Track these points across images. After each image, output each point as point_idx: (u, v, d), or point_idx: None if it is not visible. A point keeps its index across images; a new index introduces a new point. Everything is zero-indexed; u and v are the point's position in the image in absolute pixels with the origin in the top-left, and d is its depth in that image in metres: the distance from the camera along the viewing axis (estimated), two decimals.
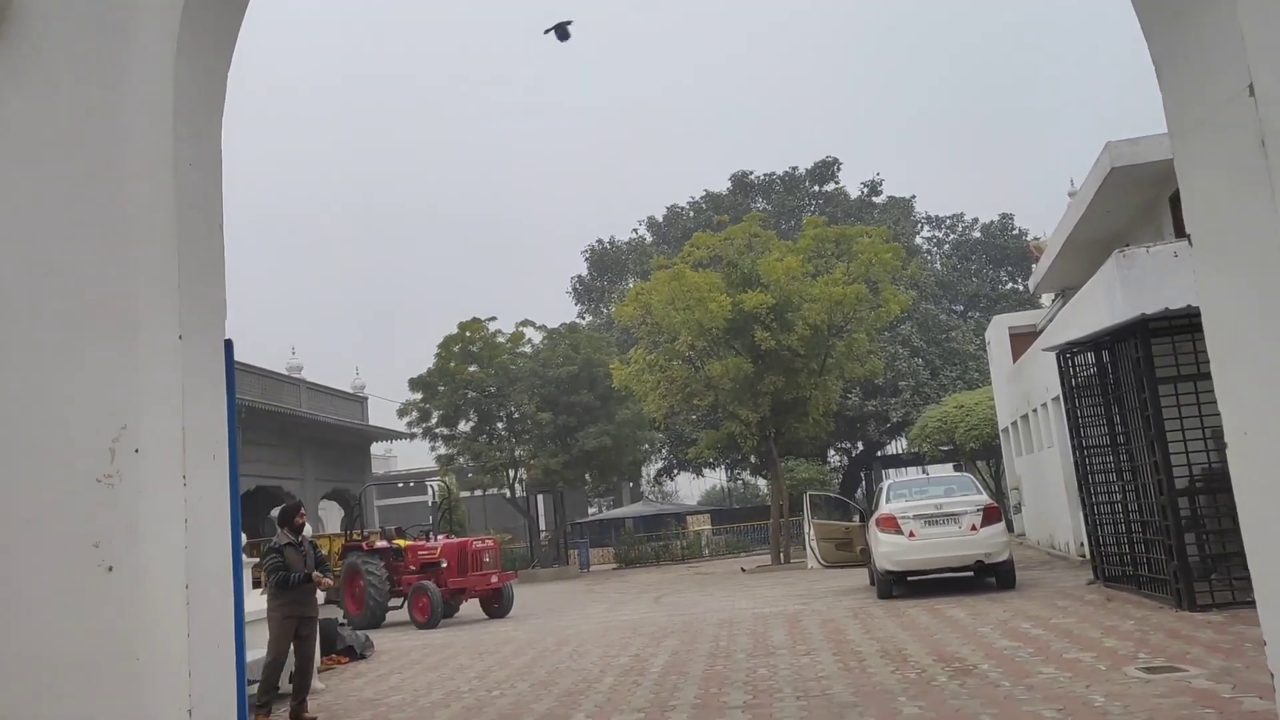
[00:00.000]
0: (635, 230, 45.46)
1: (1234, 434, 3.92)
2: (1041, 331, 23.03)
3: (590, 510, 47.81)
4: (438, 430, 30.06)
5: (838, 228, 22.68)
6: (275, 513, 9.99)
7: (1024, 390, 21.36)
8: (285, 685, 9.86)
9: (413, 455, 49.87)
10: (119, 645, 3.32)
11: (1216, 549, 10.67)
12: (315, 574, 9.24)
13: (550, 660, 11.02)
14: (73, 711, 3.32)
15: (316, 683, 10.30)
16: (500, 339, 30.01)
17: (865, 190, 43.17)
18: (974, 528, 13.01)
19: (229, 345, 4.00)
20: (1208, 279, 4.18)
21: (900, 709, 6.87)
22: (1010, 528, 21.65)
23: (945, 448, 30.50)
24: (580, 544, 34.05)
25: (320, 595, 9.76)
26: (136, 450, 3.44)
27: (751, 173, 44.23)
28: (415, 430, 30.30)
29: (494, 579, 16.96)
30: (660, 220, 44.72)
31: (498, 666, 10.90)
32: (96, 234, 3.63)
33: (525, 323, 30.42)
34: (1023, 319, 25.99)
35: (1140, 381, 10.50)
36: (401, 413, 30.05)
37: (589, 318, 43.31)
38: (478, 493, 35.19)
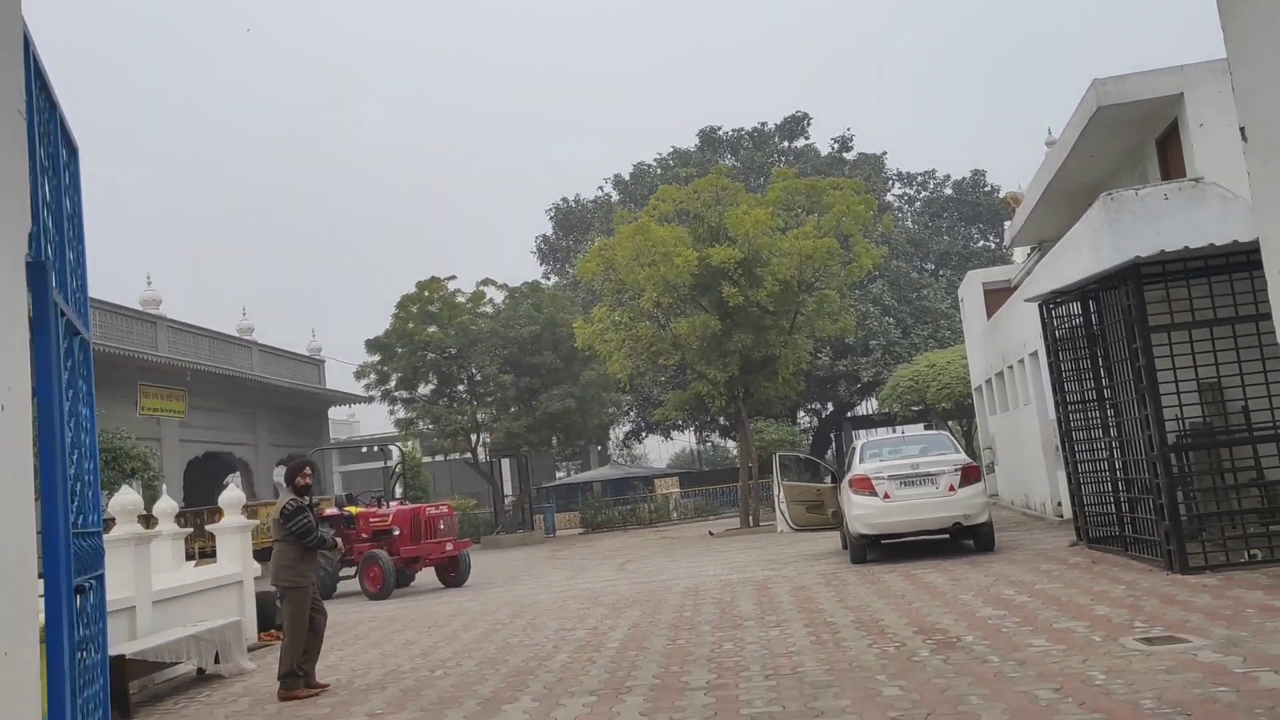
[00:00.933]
0: (601, 188, 44.40)
1: None
2: (1017, 287, 22.42)
3: (558, 474, 47.12)
4: (396, 394, 29.08)
5: (808, 180, 21.85)
6: (279, 472, 8.97)
7: (999, 347, 20.78)
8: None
9: (376, 420, 48.86)
10: None
11: (1205, 508, 10.10)
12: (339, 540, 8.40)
13: (502, 634, 10.28)
14: None
15: (247, 662, 9.50)
16: (460, 299, 29.00)
17: (836, 146, 42.29)
18: (952, 488, 12.38)
19: (38, 270, 3.12)
20: (1264, 175, 3.40)
21: (879, 689, 6.18)
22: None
23: (916, 408, 29.99)
24: (546, 509, 33.33)
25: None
26: None
27: (720, 128, 43.19)
28: (373, 393, 29.32)
29: (449, 547, 16.17)
30: (627, 178, 43.65)
31: (445, 642, 10.14)
32: None
33: (486, 282, 29.42)
34: (997, 274, 25.40)
35: (1131, 331, 9.83)
36: (359, 375, 29.03)
37: (554, 278, 42.29)
38: (441, 458, 34.32)
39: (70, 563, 3.29)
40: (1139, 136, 14.26)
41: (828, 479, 15.44)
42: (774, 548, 17.33)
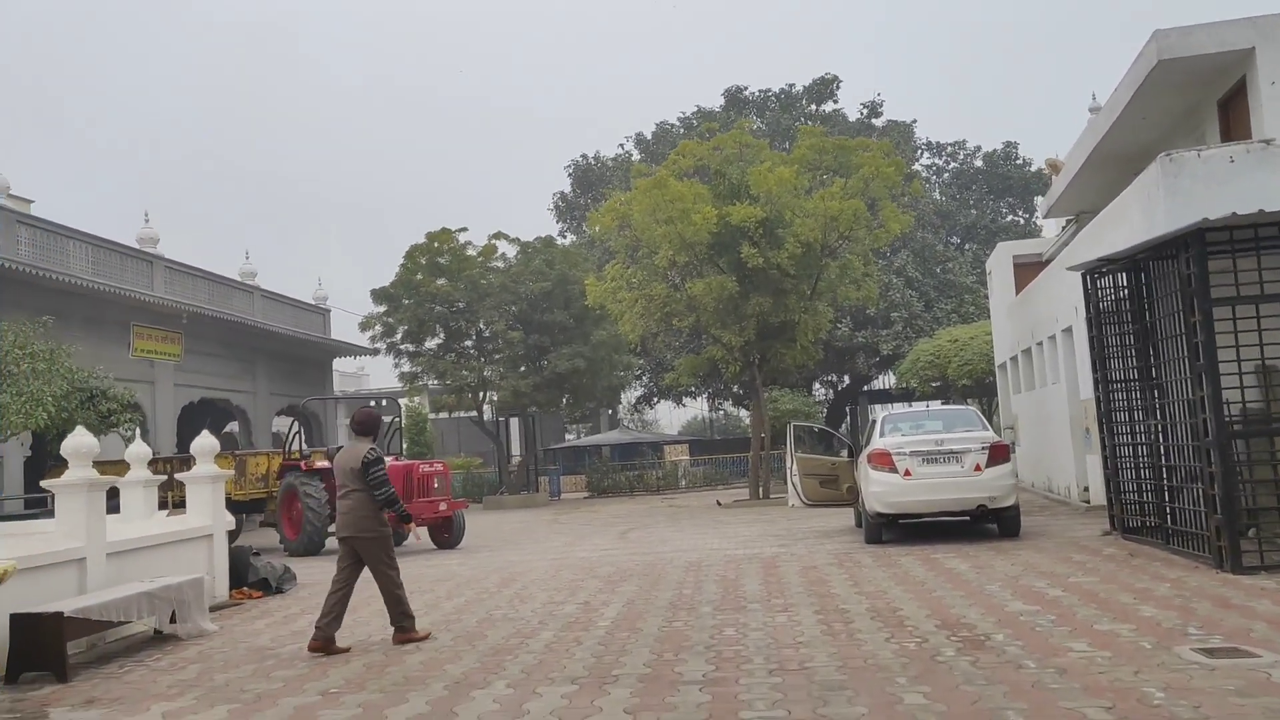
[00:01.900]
0: (622, 146, 43.25)
1: None
2: (1049, 260, 21.39)
3: (567, 437, 46.47)
4: (403, 347, 28.31)
5: (836, 139, 20.75)
6: (350, 419, 8.34)
7: (1028, 322, 19.79)
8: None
9: (386, 374, 48.24)
10: None
11: (1262, 501, 9.20)
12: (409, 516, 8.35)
13: (487, 605, 9.53)
14: None
15: (207, 623, 8.79)
16: (471, 251, 28.11)
17: (865, 112, 40.94)
18: (978, 467, 11.51)
19: None
20: None
21: (899, 695, 5.36)
22: None
23: (936, 383, 29.03)
24: (552, 471, 32.66)
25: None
26: None
27: (746, 88, 41.90)
28: (379, 345, 28.55)
29: (442, 506, 15.43)
30: (649, 137, 42.49)
31: (426, 610, 9.38)
32: None
33: (498, 235, 28.50)
34: (1028, 247, 24.33)
35: (1189, 303, 8.88)
36: (364, 326, 28.24)
37: (570, 236, 41.32)
38: (451, 415, 33.65)
39: None
40: (1199, 96, 13.18)
41: (844, 453, 14.58)
42: (784, 522, 16.53)
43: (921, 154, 42.32)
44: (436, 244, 27.41)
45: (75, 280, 18.08)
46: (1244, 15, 11.75)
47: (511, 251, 28.76)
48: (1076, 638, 6.51)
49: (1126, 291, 10.92)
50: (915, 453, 11.66)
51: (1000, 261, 23.81)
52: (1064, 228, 21.92)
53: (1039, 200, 41.86)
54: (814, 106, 41.39)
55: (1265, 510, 9.02)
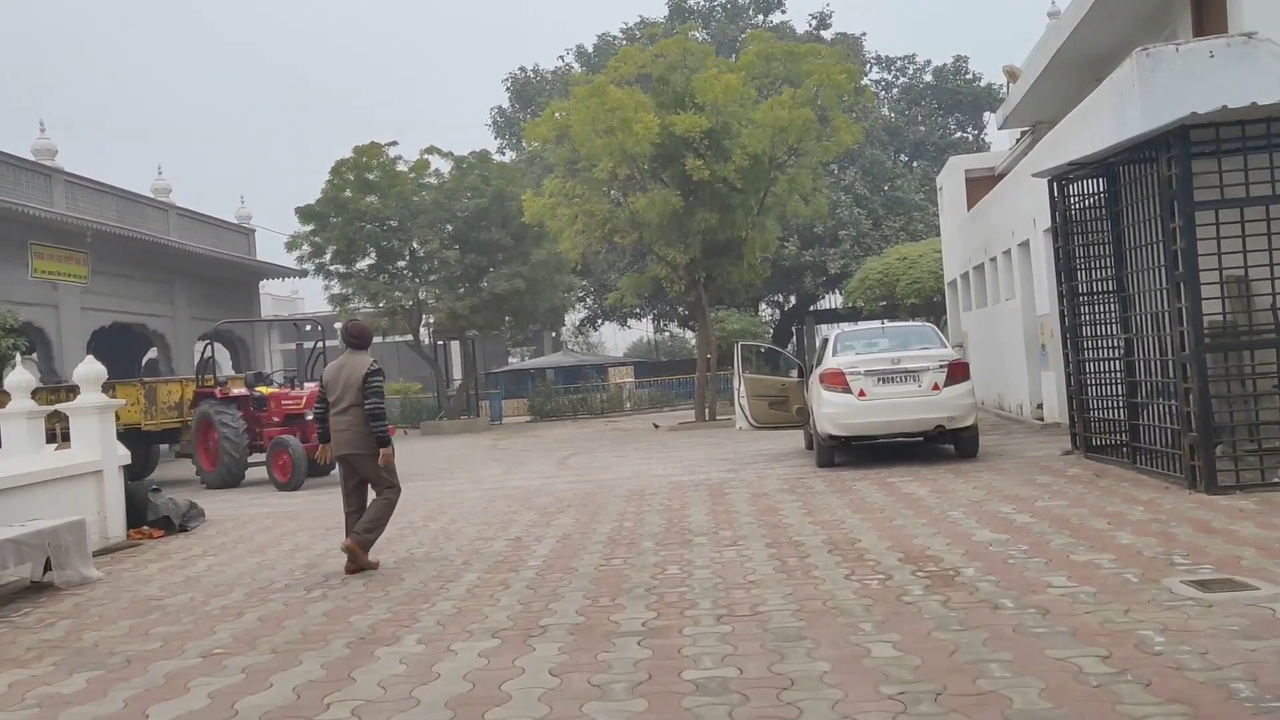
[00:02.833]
0: (562, 58, 41.51)
1: None
2: (1003, 175, 20.73)
3: (511, 361, 45.48)
4: (332, 267, 26.92)
5: (785, 44, 19.64)
6: (343, 331, 7.77)
7: (981, 238, 19.19)
8: None
9: (322, 297, 46.44)
10: None
11: (1232, 418, 8.68)
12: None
13: (409, 542, 8.72)
14: None
15: (90, 570, 7.85)
16: (402, 167, 26.61)
17: (813, 24, 39.66)
18: (936, 386, 10.88)
19: None
20: None
21: (866, 645, 4.67)
22: None
23: (883, 303, 28.54)
24: (493, 395, 31.77)
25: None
26: None
27: None
28: (306, 266, 27.11)
29: None
30: (590, 50, 40.78)
31: (338, 550, 8.53)
32: None
33: (430, 150, 26.93)
34: (981, 161, 23.67)
35: (1170, 208, 8.19)
36: (290, 246, 26.76)
37: (510, 154, 39.73)
38: (381, 339, 32.40)
39: None
40: None
41: (793, 373, 13.90)
42: (731, 445, 15.92)
43: (870, 68, 41.23)
44: (365, 159, 25.86)
45: None
46: None
47: (445, 167, 27.34)
48: (1054, 571, 5.90)
49: (1096, 199, 10.24)
50: (870, 372, 10.99)
51: (952, 176, 23.11)
52: (1018, 140, 21.23)
53: (989, 116, 41.18)
54: (761, 17, 39.97)
55: (1239, 427, 8.50)
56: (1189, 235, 8.00)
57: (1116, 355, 9.88)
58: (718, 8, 40.01)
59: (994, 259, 18.15)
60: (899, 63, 41.88)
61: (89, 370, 9.41)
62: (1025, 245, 15.60)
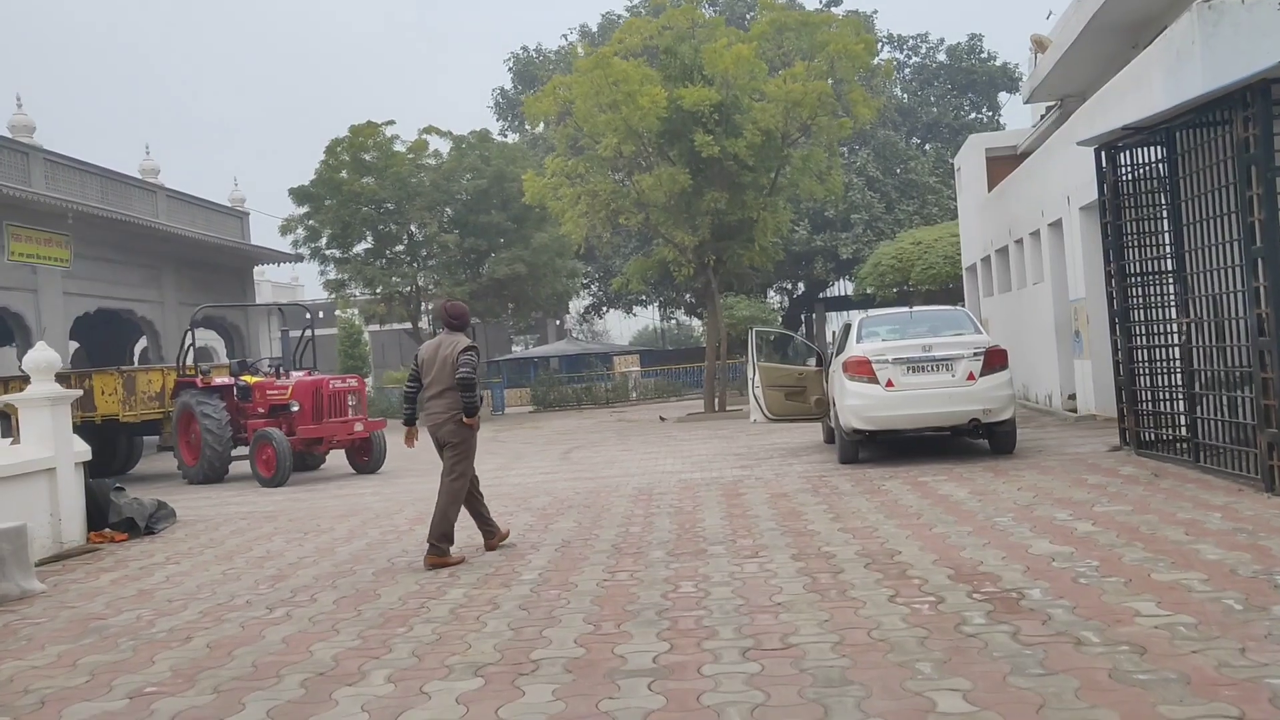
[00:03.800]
0: (565, 38, 40.45)
1: None
2: (1026, 154, 19.74)
3: (514, 349, 44.60)
4: (328, 252, 26.00)
5: (799, 13, 18.63)
6: (440, 311, 7.45)
7: (1005, 219, 18.22)
8: None
9: (320, 283, 45.49)
10: None
11: None
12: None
13: (391, 549, 7.84)
14: None
15: (32, 583, 6.98)
16: (399, 147, 25.65)
17: (824, 1, 38.53)
18: (971, 376, 9.96)
19: None
20: None
21: (930, 697, 3.78)
22: None
23: (896, 289, 27.55)
24: (495, 384, 30.88)
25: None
26: None
27: None
28: (302, 251, 26.20)
29: (358, 427, 13.62)
30: (595, 29, 39.72)
31: (313, 558, 7.69)
32: None
33: (429, 129, 25.98)
34: (1003, 139, 22.64)
35: (1247, 173, 7.24)
36: (284, 230, 25.85)
37: (512, 136, 38.75)
38: (383, 326, 31.54)
39: None
40: None
41: (811, 361, 12.98)
42: (743, 438, 15.03)
43: (883, 47, 40.10)
44: (361, 139, 24.92)
45: None
46: None
47: (445, 148, 26.37)
48: (1137, 594, 4.99)
49: (1149, 169, 9.29)
50: (899, 360, 10.07)
51: (971, 156, 22.09)
52: (1043, 116, 20.23)
53: (1005, 97, 40.14)
54: None
55: None
56: (1270, 204, 7.06)
57: (1174, 342, 8.95)
58: None
59: (1019, 241, 17.21)
60: (911, 41, 40.79)
61: (40, 358, 8.53)
62: (1057, 225, 14.65)
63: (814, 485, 9.42)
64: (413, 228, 25.89)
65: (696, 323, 45.70)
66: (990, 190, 20.42)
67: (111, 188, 21.34)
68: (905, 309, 12.22)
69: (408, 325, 27.82)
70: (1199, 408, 8.53)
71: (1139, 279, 9.56)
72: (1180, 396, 8.92)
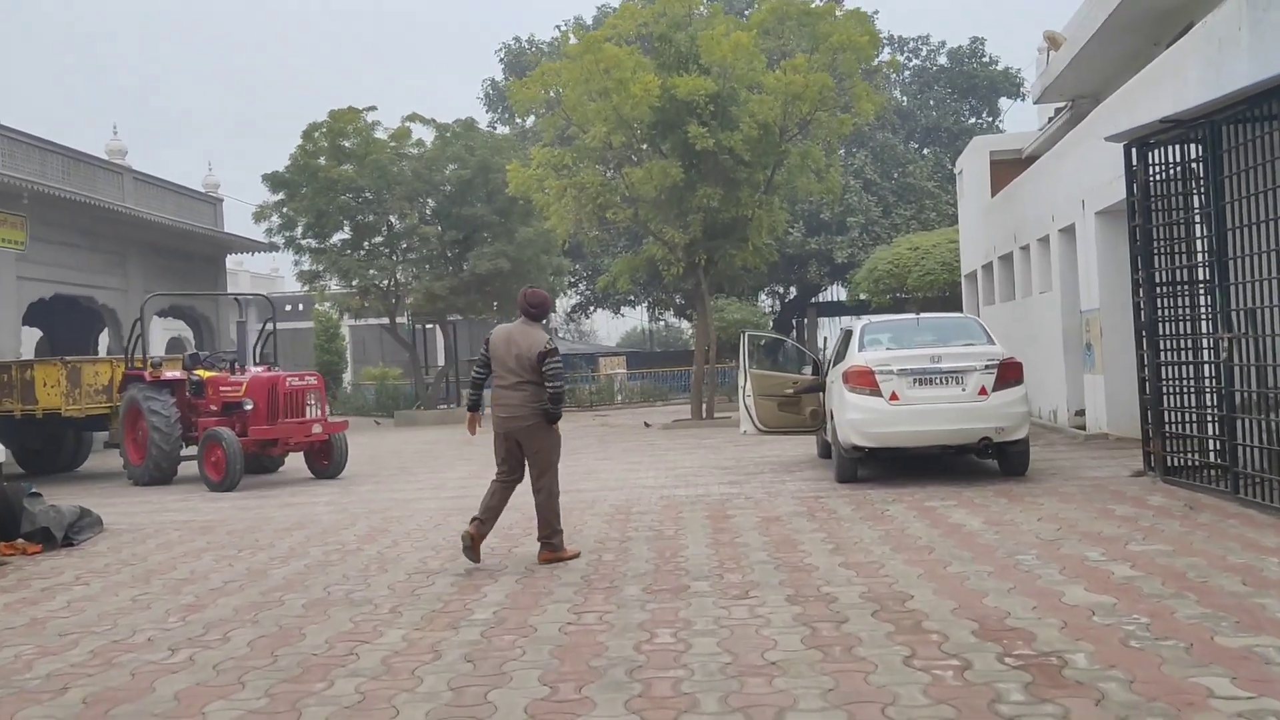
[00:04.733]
0: (559, 29, 39.51)
1: None
2: (1032, 158, 18.95)
3: None
4: (303, 242, 24.99)
5: (801, 3, 17.79)
6: (521, 299, 7.00)
7: (1010, 224, 17.40)
8: None
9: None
10: None
11: None
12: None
13: (333, 574, 6.91)
14: None
15: None
16: (381, 134, 24.68)
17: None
18: (983, 390, 9.10)
19: None
20: None
21: None
22: None
23: (890, 295, 26.75)
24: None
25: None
26: None
27: None
28: (276, 239, 25.19)
29: (316, 428, 12.66)
30: (589, 22, 38.80)
31: (240, 583, 6.75)
32: None
33: (412, 117, 25.02)
34: (1007, 142, 21.84)
35: None
36: (258, 217, 24.83)
37: (503, 128, 37.78)
38: (360, 320, 30.56)
39: None
40: None
41: (807, 370, 12.10)
42: (731, 450, 14.15)
43: (882, 48, 39.31)
44: (340, 124, 23.93)
45: None
46: None
47: (429, 137, 25.40)
48: (1203, 664, 4.12)
49: (1185, 168, 8.45)
50: (904, 371, 9.20)
51: (974, 159, 21.28)
52: (1051, 118, 19.42)
53: (1005, 102, 39.39)
54: None
55: None
56: None
57: (1211, 359, 8.11)
58: None
59: (1025, 247, 16.39)
60: (913, 43, 39.99)
61: None
62: (1069, 231, 13.83)
63: (810, 508, 8.53)
64: (392, 218, 24.92)
65: (685, 325, 44.83)
66: (994, 195, 19.62)
67: (74, 168, 20.32)
68: (911, 315, 11.36)
69: (385, 320, 26.83)
70: (1239, 433, 7.68)
71: (1169, 288, 8.72)
72: (1214, 419, 8.07)
